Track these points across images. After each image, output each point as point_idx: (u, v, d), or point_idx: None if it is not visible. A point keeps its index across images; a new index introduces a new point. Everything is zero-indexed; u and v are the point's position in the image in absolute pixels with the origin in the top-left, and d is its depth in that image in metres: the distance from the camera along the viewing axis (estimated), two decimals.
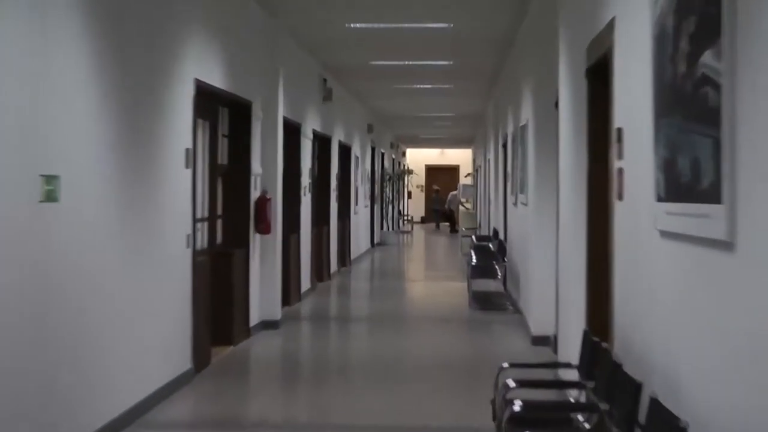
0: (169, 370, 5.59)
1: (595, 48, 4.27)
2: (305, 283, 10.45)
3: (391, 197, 21.72)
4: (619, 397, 3.00)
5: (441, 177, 31.10)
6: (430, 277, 13.84)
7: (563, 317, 5.73)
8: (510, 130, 10.35)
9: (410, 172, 25.51)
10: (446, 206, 26.52)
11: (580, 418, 3.68)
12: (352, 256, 14.83)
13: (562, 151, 5.73)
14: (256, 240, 7.96)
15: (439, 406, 5.36)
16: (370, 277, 13.97)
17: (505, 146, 11.39)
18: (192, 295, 6.05)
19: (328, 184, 12.23)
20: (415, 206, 30.64)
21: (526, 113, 8.17)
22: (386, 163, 21.66)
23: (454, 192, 26.18)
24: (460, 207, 25.46)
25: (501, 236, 11.61)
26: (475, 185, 23.74)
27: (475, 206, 23.83)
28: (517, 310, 9.11)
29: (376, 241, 18.99)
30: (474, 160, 26.26)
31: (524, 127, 8.33)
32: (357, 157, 15.39)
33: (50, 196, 3.85)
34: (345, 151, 14.12)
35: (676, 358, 2.64)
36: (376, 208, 19.29)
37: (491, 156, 14.81)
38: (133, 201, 4.92)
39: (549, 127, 7.35)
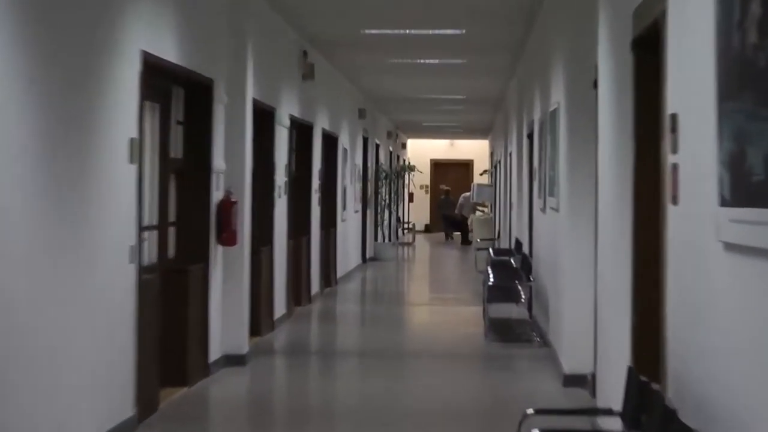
0: (105, 418, 5.56)
1: (644, 13, 4.26)
2: (280, 307, 10.44)
3: (387, 200, 21.75)
4: None
5: (451, 175, 31.14)
6: (437, 301, 13.85)
7: (603, 351, 5.72)
8: (537, 116, 10.37)
9: (412, 168, 25.50)
10: (456, 211, 26.55)
11: None
12: (339, 274, 14.85)
13: (601, 143, 5.72)
14: (217, 253, 7.96)
15: None
16: (362, 300, 13.95)
17: (530, 136, 11.40)
18: (136, 322, 6.02)
19: (309, 184, 12.24)
20: (418, 211, 30.71)
21: (557, 95, 8.18)
22: (382, 158, 21.70)
23: (467, 194, 26.21)
24: (476, 212, 25.46)
25: (525, 249, 11.62)
26: (492, 185, 23.77)
27: (492, 211, 23.85)
28: (546, 343, 9.11)
29: (368, 256, 19.02)
30: (492, 154, 26.28)
31: (554, 113, 8.33)
32: (345, 150, 15.41)
33: None
34: (330, 143, 14.13)
35: (745, 402, 2.63)
36: (369, 213, 19.31)
37: (513, 149, 14.84)
38: (62, 205, 4.90)
39: (585, 112, 7.36)
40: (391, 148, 24.16)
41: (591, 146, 7.06)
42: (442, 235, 28.87)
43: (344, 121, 15.40)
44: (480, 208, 25.29)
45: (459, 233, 26.57)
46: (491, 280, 10.47)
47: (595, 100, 6.12)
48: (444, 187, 29.06)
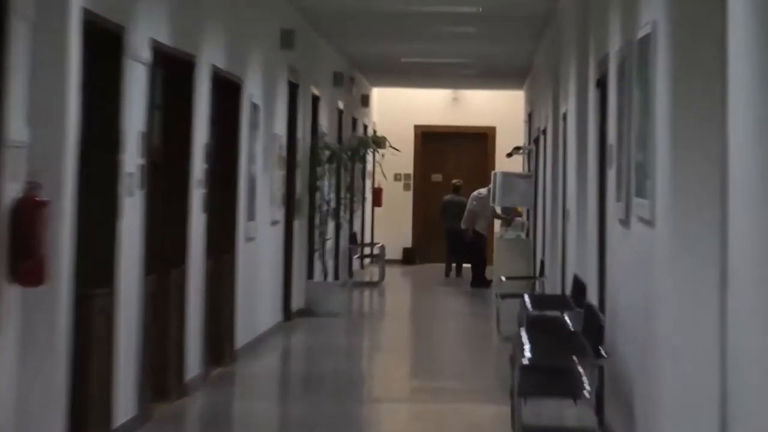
0: None
1: None
2: (125, 404, 10.40)
3: (334, 202, 21.69)
4: None
5: (453, 154, 31.15)
6: (425, 394, 13.84)
7: None
8: (613, 48, 10.42)
9: (380, 143, 25.41)
10: (464, 224, 26.43)
11: None
12: (240, 342, 14.79)
13: (734, 97, 5.73)
14: (9, 299, 7.93)
15: None
16: (282, 392, 13.89)
17: (602, 85, 11.44)
18: None
19: (186, 171, 12.21)
20: (392, 224, 30.67)
21: (652, 10, 8.21)
22: (324, 122, 21.66)
23: (482, 190, 26.11)
24: (497, 224, 25.38)
25: (592, 297, 11.66)
26: (532, 175, 23.76)
27: (530, 225, 23.73)
28: None
29: (296, 307, 18.96)
30: (530, 117, 26.22)
31: (646, 43, 8.37)
32: (256, 107, 15.37)
33: None
34: (228, 93, 14.09)
35: None
36: (299, 227, 19.28)
37: (570, 108, 14.89)
38: None
39: (704, 42, 7.38)
40: (341, 105, 24.11)
41: (715, 104, 7.10)
42: (432, 268, 28.77)
43: (254, 54, 15.37)
44: (505, 215, 25.23)
45: (469, 264, 26.37)
46: (527, 355, 10.44)
47: (722, 19, 6.14)
48: (454, 180, 28.88)
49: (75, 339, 8.83)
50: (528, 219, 24.61)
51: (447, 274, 27.68)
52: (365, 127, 28.45)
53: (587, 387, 10.21)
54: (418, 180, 31.39)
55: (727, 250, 6.01)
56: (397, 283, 26.53)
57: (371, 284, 25.54)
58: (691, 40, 7.54)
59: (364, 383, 14.66)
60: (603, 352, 10.11)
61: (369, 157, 24.74)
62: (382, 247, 26.93)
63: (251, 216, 15.20)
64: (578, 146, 13.70)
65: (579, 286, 12.72)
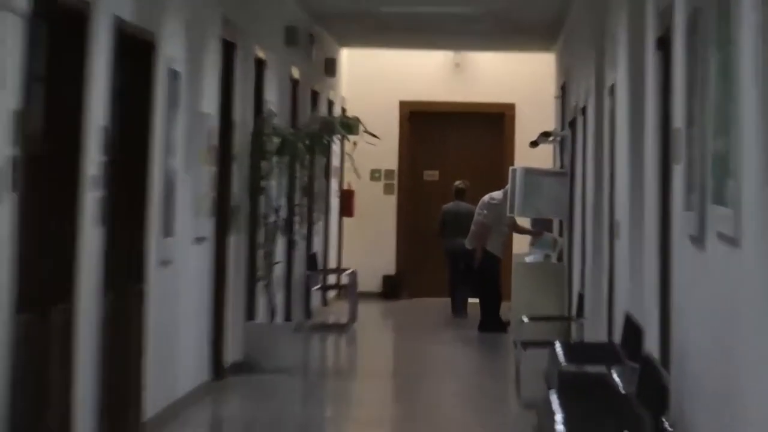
0: None
1: None
2: None
3: (286, 211, 21.75)
4: None
5: (454, 144, 31.37)
6: None
7: None
8: None
9: (351, 127, 25.46)
10: (469, 243, 26.49)
11: None
12: (150, 412, 14.82)
13: None
14: None
15: None
16: None
17: (665, 46, 11.51)
18: None
19: (76, 165, 12.22)
20: (368, 241, 30.86)
21: None
22: (273, 99, 21.76)
23: (496, 195, 26.22)
24: (519, 239, 25.52)
25: (651, 347, 11.69)
26: (567, 174, 23.84)
27: (564, 241, 23.83)
28: None
29: (230, 360, 19.00)
30: (563, 91, 26.38)
31: None
32: (176, 75, 15.40)
33: None
34: (136, 55, 14.18)
35: None
36: (237, 245, 19.32)
37: (620, 78, 14.98)
38: None
39: None
40: (296, 73, 24.31)
41: None
42: (424, 304, 29.09)
43: (174, 1, 15.45)
44: (530, 228, 25.36)
45: (478, 299, 26.47)
46: (559, 428, 10.49)
47: None
48: (457, 182, 29.07)
49: None
50: (561, 234, 24.69)
51: (454, 313, 27.71)
52: (330, 105, 28.58)
53: None
54: (404, 179, 31.62)
55: None
56: (375, 326, 26.74)
57: (338, 327, 25.62)
58: None
59: None
60: (666, 425, 10.14)
61: (336, 147, 24.78)
62: (354, 275, 27.18)
63: (168, 231, 15.24)
64: (631, 131, 13.78)
65: (633, 331, 12.78)
